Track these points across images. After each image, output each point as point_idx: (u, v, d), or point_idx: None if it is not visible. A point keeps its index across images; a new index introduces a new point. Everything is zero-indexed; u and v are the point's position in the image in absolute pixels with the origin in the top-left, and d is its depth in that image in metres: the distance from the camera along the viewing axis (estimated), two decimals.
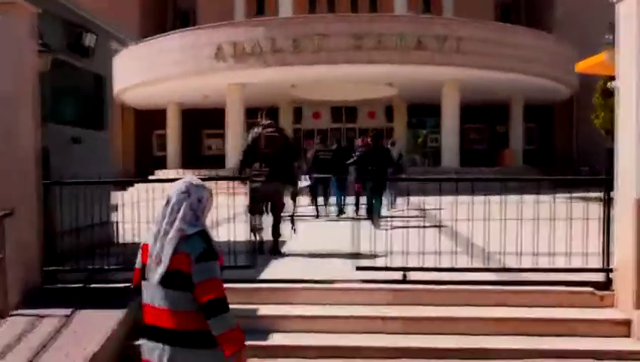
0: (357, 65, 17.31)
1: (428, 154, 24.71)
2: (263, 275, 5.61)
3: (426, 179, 6.14)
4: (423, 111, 24.10)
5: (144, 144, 26.37)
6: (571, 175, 18.61)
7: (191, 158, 24.93)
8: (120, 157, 25.28)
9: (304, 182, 10.35)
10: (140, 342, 2.29)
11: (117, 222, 6.07)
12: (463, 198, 5.50)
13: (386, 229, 5.95)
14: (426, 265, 5.26)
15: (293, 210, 7.30)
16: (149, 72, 19.49)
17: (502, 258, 5.40)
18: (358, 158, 9.95)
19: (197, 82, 19.17)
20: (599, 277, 5.16)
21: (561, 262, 5.25)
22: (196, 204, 2.20)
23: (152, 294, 2.17)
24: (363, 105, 24.94)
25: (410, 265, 5.28)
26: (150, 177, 21.47)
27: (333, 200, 11.08)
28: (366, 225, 7.05)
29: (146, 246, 2.22)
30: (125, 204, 6.29)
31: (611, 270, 5.17)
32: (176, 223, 2.14)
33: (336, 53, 17.09)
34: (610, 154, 5.40)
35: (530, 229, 5.30)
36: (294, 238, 7.25)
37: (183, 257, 2.12)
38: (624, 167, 4.99)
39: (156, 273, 2.14)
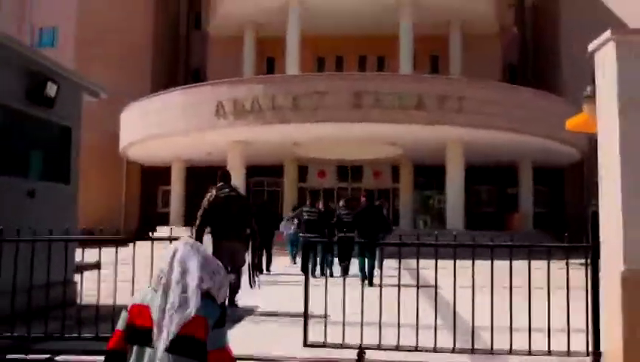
0: (356, 124, 17.10)
1: (434, 216, 24.13)
2: None
3: (415, 244, 5.20)
4: (429, 172, 23.59)
5: (149, 200, 26.20)
6: (585, 240, 17.41)
7: (194, 215, 24.50)
8: (123, 213, 25.14)
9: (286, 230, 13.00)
10: None
11: (78, 282, 5.66)
12: (463, 263, 4.76)
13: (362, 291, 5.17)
14: (388, 343, 4.50)
15: (253, 264, 7.03)
16: (152, 128, 19.53)
17: (484, 335, 4.63)
18: (356, 217, 9.80)
19: (198, 139, 19.14)
20: None
21: (541, 342, 4.47)
22: (204, 261, 1.90)
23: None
24: (369, 165, 24.60)
25: (371, 341, 4.52)
26: (154, 234, 21.24)
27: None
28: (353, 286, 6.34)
29: (137, 307, 1.86)
30: (108, 262, 5.73)
31: (600, 354, 4.38)
32: (195, 280, 1.83)
33: (334, 111, 16.93)
34: (594, 217, 4.69)
35: (522, 300, 4.54)
36: (256, 293, 6.96)
37: (199, 321, 1.79)
38: (608, 234, 4.30)
39: (162, 337, 1.77)
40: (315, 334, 4.80)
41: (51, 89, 6.88)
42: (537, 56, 27.95)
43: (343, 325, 4.64)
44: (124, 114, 21.45)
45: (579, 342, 4.45)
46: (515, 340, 4.41)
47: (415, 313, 4.57)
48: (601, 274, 4.52)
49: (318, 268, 10.45)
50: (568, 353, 4.42)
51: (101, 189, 24.25)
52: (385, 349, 4.55)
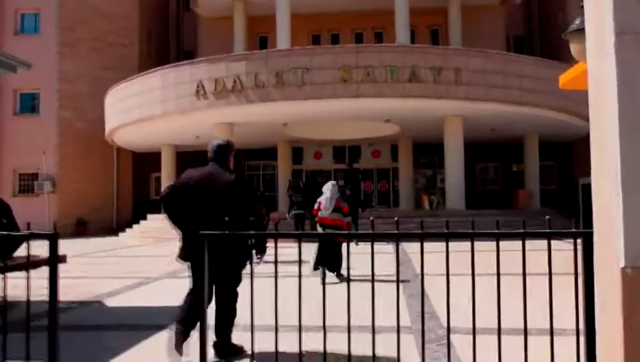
0: (345, 100, 15.82)
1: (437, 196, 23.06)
2: None
3: (385, 235, 3.80)
4: (430, 150, 22.45)
5: (142, 187, 25.34)
6: (576, 224, 16.39)
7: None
8: (115, 202, 24.32)
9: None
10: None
11: None
12: (456, 246, 3.50)
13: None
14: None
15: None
16: (132, 112, 18.45)
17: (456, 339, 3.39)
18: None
19: (180, 122, 18.01)
20: None
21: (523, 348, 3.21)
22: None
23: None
24: (367, 145, 23.48)
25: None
26: (140, 222, 20.39)
27: None
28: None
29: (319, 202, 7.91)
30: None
31: None
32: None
33: (321, 87, 15.66)
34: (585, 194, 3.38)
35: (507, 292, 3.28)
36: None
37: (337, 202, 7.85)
38: (603, 219, 3.01)
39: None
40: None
41: None
42: (544, 27, 26.29)
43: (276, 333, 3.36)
44: (107, 99, 20.40)
45: (566, 350, 3.20)
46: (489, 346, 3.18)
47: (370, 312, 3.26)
48: (595, 270, 3.25)
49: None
50: None
51: (93, 178, 23.44)
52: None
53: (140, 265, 10.76)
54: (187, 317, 3.88)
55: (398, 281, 2.79)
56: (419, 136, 21.45)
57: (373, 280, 2.71)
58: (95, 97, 21.87)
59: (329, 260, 7.74)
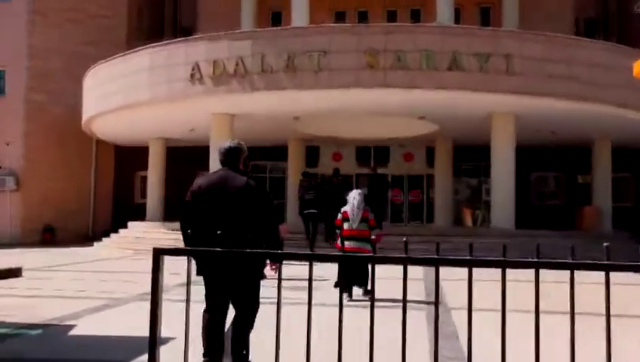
0: (370, 91, 15.66)
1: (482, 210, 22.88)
2: None
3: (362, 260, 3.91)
4: (475, 154, 22.21)
5: (124, 188, 25.51)
6: None
7: (179, 207, 23.67)
8: (92, 205, 24.50)
9: None
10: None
11: None
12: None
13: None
14: None
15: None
16: (114, 97, 18.54)
17: None
18: None
19: (171, 111, 18.09)
20: None
21: None
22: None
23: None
24: (397, 146, 23.35)
25: None
26: (118, 231, 20.45)
27: None
28: None
29: (345, 212, 8.52)
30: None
31: None
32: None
33: (341, 73, 15.52)
34: None
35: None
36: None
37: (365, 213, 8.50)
38: None
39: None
40: None
41: None
42: (623, 10, 25.72)
43: None
44: (86, 81, 20.55)
45: None
46: None
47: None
48: None
49: None
50: None
51: (67, 176, 23.61)
52: None
53: (110, 283, 10.73)
54: (210, 345, 4.24)
55: (437, 326, 2.61)
56: (460, 138, 21.21)
57: (404, 321, 2.56)
58: (73, 77, 21.96)
59: (356, 276, 8.54)
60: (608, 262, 2.46)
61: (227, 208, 4.33)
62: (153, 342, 2.63)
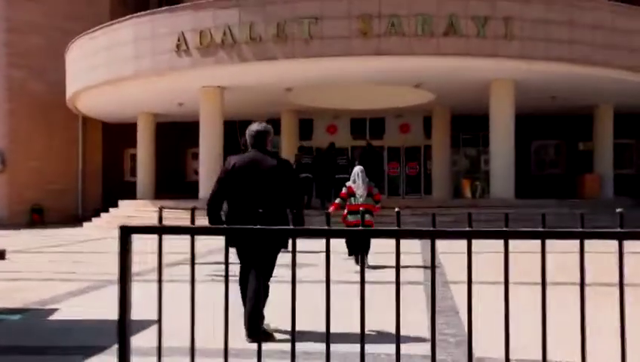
0: (364, 59, 15.39)
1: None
2: None
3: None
4: (473, 124, 22.06)
5: (114, 166, 25.32)
6: None
7: (171, 185, 23.66)
8: (80, 184, 24.27)
9: None
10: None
11: None
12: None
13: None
14: None
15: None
16: (97, 71, 18.24)
17: None
18: None
19: (158, 85, 17.79)
20: None
21: None
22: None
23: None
24: (393, 117, 23.08)
25: None
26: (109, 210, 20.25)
27: None
28: None
29: (350, 187, 9.28)
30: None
31: None
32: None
33: (334, 41, 15.20)
34: None
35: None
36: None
37: (369, 188, 9.31)
38: None
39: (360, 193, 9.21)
40: None
41: None
42: None
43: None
44: (68, 55, 20.17)
45: None
46: None
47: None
48: None
49: None
50: None
51: (53, 155, 23.31)
52: None
53: (95, 265, 10.52)
54: (249, 303, 4.88)
55: (434, 303, 2.41)
56: (458, 107, 21.01)
57: (398, 302, 2.33)
58: (56, 53, 21.51)
59: (361, 246, 8.63)
60: (621, 230, 2.23)
61: (261, 184, 4.88)
62: (122, 328, 2.39)
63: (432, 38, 15.28)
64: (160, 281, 2.54)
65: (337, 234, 2.60)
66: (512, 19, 15.49)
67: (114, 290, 7.51)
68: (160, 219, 2.63)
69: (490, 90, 17.41)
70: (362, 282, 2.36)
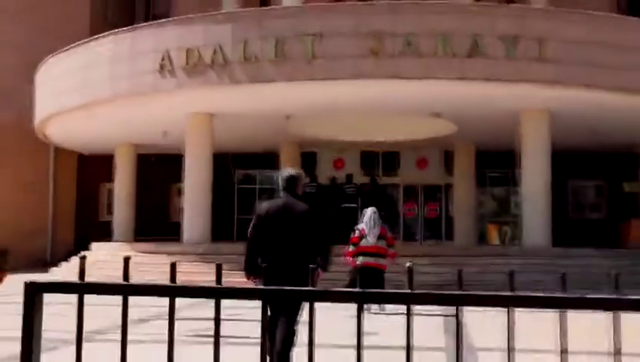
0: (375, 82, 15.26)
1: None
2: None
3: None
4: (500, 160, 21.88)
5: (89, 203, 25.09)
6: None
7: (152, 225, 23.24)
8: (50, 223, 23.90)
9: None
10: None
11: None
12: None
13: None
14: None
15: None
16: (70, 94, 18.17)
17: None
18: None
19: (138, 110, 17.75)
20: None
21: None
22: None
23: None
24: (409, 150, 22.98)
25: None
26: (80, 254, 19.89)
27: None
28: None
29: (362, 229, 10.53)
30: None
31: None
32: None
33: (340, 62, 15.12)
34: None
35: None
36: None
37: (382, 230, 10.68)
38: None
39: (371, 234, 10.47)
40: None
41: None
42: None
43: None
44: (38, 76, 20.12)
45: None
46: None
47: None
48: None
49: None
50: None
51: (21, 190, 23.13)
52: None
53: (58, 320, 9.86)
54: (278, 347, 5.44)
55: None
56: (484, 140, 20.87)
57: None
58: (28, 75, 21.42)
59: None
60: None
61: (294, 229, 5.67)
62: None
63: (453, 59, 15.18)
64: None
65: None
66: (546, 40, 15.36)
67: (70, 354, 6.85)
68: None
69: (521, 121, 17.23)
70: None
